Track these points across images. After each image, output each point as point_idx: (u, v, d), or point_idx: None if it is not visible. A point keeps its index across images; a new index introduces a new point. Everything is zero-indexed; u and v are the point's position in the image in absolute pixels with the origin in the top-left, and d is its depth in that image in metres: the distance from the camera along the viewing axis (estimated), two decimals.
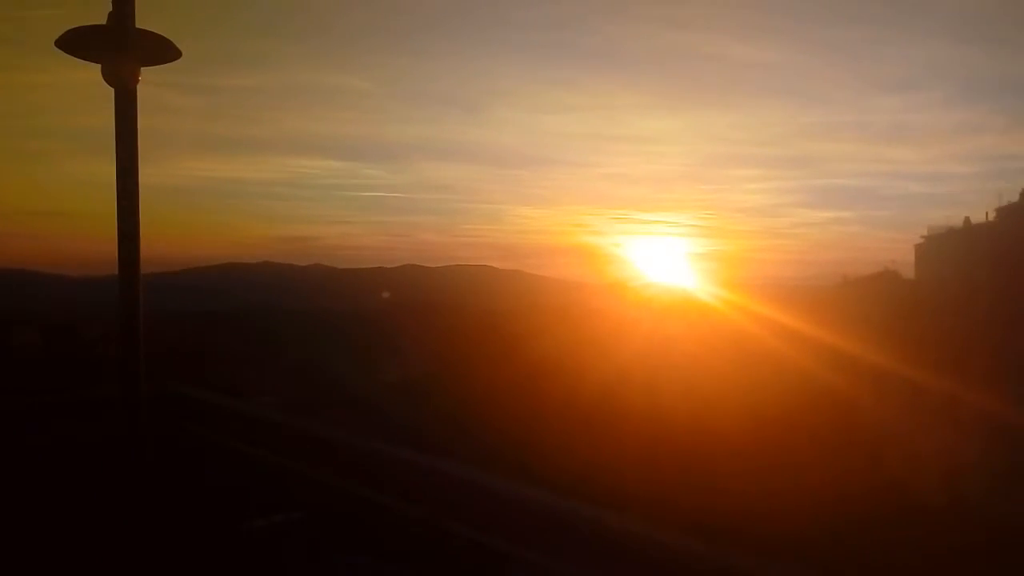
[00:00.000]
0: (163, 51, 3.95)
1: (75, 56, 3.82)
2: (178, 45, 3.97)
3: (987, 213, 50.29)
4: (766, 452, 21.14)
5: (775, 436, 22.88)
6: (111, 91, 3.85)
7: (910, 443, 25.30)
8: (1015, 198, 48.37)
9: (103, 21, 3.77)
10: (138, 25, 3.83)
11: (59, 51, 3.80)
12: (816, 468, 20.51)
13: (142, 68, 3.91)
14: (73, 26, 3.76)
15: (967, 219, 51.88)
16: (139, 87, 3.91)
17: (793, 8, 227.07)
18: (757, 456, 20.69)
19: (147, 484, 3.79)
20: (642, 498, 15.39)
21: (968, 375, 30.24)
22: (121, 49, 3.78)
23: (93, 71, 3.86)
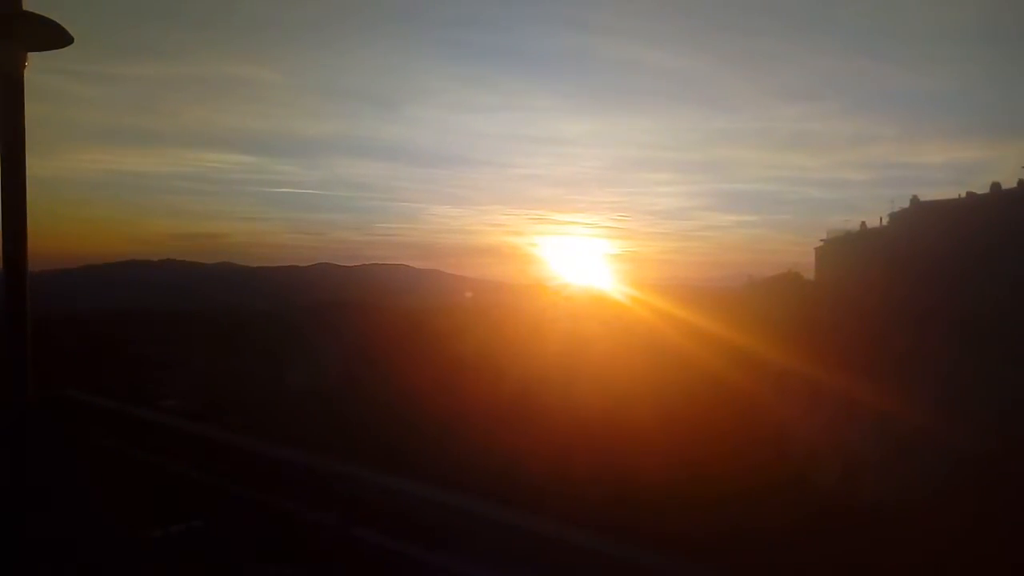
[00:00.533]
0: (53, 36, 3.70)
1: None
2: (74, 31, 3.73)
3: (881, 218, 53.50)
4: (672, 446, 21.77)
5: (681, 431, 23.58)
6: None
7: (806, 436, 26.54)
8: (906, 204, 51.57)
9: None
10: (26, 8, 3.59)
11: None
12: (718, 461, 21.26)
13: (30, 54, 3.67)
14: None
15: (863, 224, 55.00)
16: (28, 75, 3.67)
17: (703, 19, 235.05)
18: (664, 450, 21.29)
19: (31, 494, 3.57)
20: (557, 492, 15.58)
21: (861, 370, 31.98)
22: (5, 33, 3.54)
23: None
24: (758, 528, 16.99)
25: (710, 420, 25.59)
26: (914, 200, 52.15)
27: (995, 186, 47.15)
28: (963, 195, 48.70)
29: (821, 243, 58.06)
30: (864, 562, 15.50)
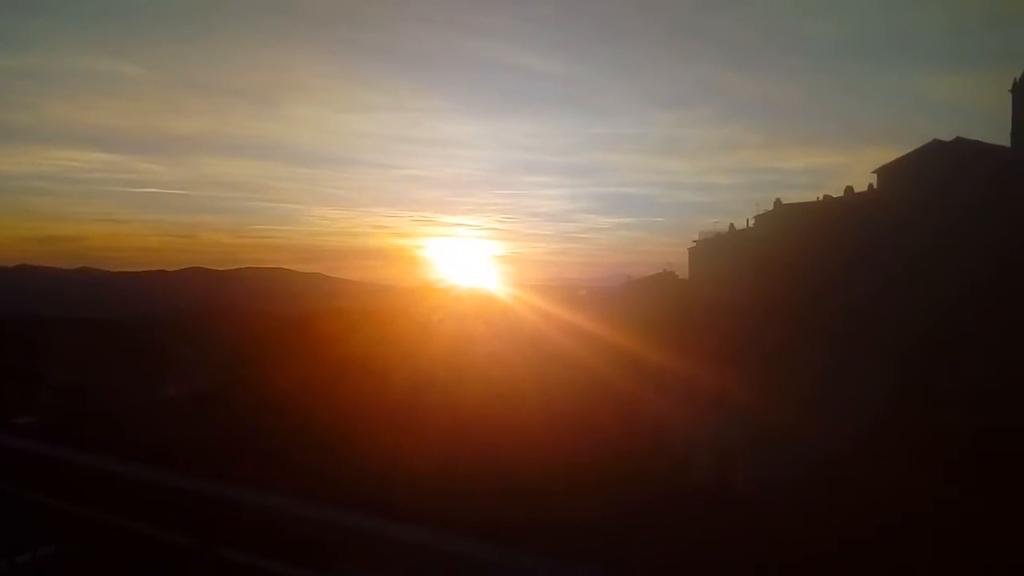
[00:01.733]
0: None
1: None
2: None
3: (748, 220, 56.66)
4: (556, 441, 22.16)
5: (564, 426, 24.03)
6: None
7: (682, 428, 27.70)
8: (770, 207, 54.82)
9: None
10: None
11: None
12: (599, 453, 21.82)
13: None
14: None
15: (731, 225, 58.03)
16: None
17: (585, 28, 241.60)
18: (548, 445, 21.63)
19: None
20: (440, 491, 15.48)
21: (731, 365, 33.74)
22: None
23: None
24: (632, 512, 17.65)
25: (592, 415, 26.28)
26: (777, 203, 55.47)
27: (848, 190, 50.98)
28: (820, 198, 52.32)
29: (693, 244, 60.79)
30: (719, 536, 16.43)
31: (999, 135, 51.74)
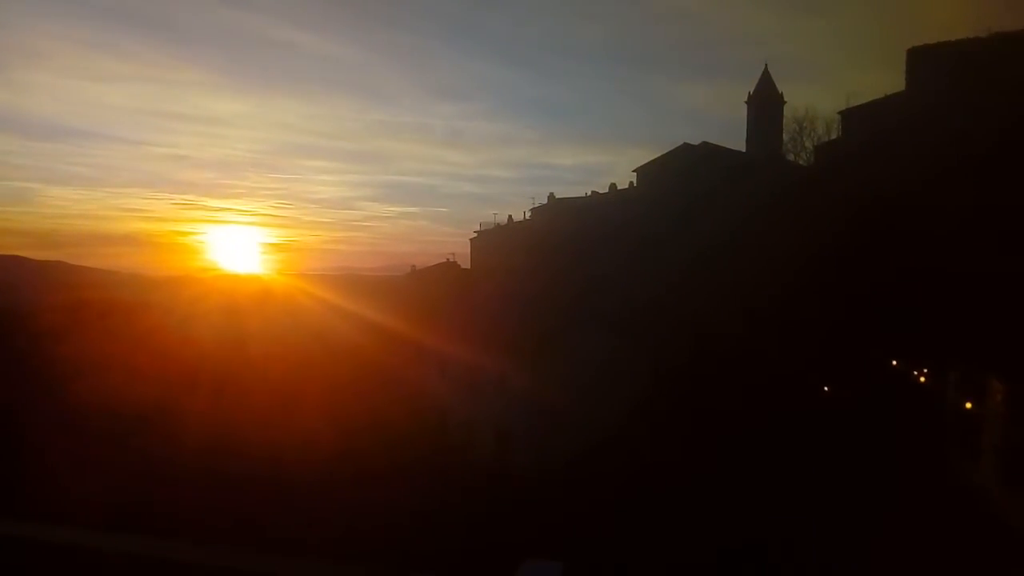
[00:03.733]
0: None
1: None
2: None
3: (524, 212, 59.34)
4: (335, 431, 21.52)
5: (344, 415, 23.41)
6: None
7: (462, 412, 28.16)
8: (545, 200, 57.85)
9: None
10: None
11: None
12: (379, 440, 21.55)
13: None
14: None
15: (510, 217, 60.37)
16: None
17: (357, 9, 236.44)
18: (325, 435, 20.97)
19: None
20: (196, 500, 14.31)
21: (509, 351, 34.95)
22: None
23: None
24: (409, 494, 17.68)
25: (372, 403, 25.85)
26: (551, 197, 58.69)
27: (612, 186, 55.17)
28: (588, 193, 56.11)
29: (475, 234, 62.45)
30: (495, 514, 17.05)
31: (739, 140, 58.98)
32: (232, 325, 35.39)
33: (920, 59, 38.33)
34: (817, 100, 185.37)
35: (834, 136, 43.80)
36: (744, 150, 53.83)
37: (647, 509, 17.14)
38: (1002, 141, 32.31)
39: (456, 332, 37.25)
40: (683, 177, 44.21)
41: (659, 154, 49.39)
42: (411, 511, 16.02)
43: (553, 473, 21.36)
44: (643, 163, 50.10)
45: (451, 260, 67.65)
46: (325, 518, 15.33)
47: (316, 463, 19.03)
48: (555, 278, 44.78)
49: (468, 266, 63.60)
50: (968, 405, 16.08)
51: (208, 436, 19.10)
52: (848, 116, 42.32)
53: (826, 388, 28.39)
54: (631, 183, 52.22)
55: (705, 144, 47.05)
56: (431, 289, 56.27)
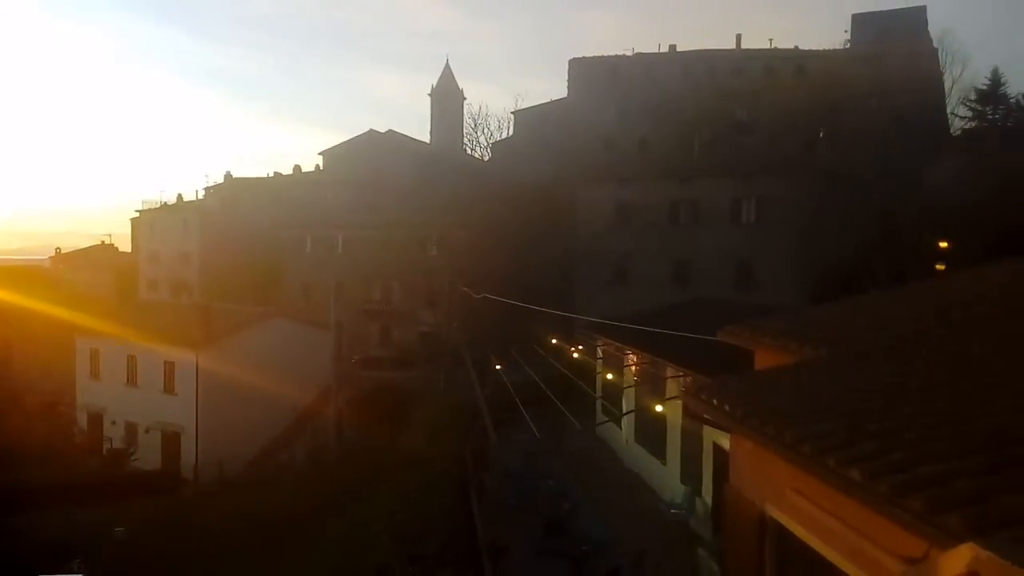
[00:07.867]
0: None
1: None
2: None
3: (197, 191, 54.46)
4: None
5: None
6: None
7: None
8: (221, 179, 53.82)
9: None
10: None
11: None
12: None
13: None
14: None
15: (180, 196, 54.86)
16: None
17: None
18: None
19: None
20: None
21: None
22: None
23: None
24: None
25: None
26: (228, 176, 55.16)
27: (297, 168, 53.59)
28: (272, 174, 53.86)
29: (136, 214, 55.82)
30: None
31: (422, 129, 60.79)
32: None
33: (580, 69, 43.13)
34: (492, 99, 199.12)
35: (506, 134, 47.36)
36: (428, 140, 55.61)
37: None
38: (640, 145, 37.57)
39: (114, 320, 32.88)
40: (371, 162, 44.69)
41: (346, 139, 49.30)
42: None
43: (222, 470, 20.06)
44: (329, 147, 49.62)
45: (107, 242, 60.09)
46: None
47: None
48: (229, 258, 42.17)
49: (128, 248, 57.17)
50: (610, 376, 18.08)
51: None
52: (519, 116, 46.04)
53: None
54: (317, 166, 51.09)
55: (392, 132, 47.85)
56: (83, 271, 49.56)
